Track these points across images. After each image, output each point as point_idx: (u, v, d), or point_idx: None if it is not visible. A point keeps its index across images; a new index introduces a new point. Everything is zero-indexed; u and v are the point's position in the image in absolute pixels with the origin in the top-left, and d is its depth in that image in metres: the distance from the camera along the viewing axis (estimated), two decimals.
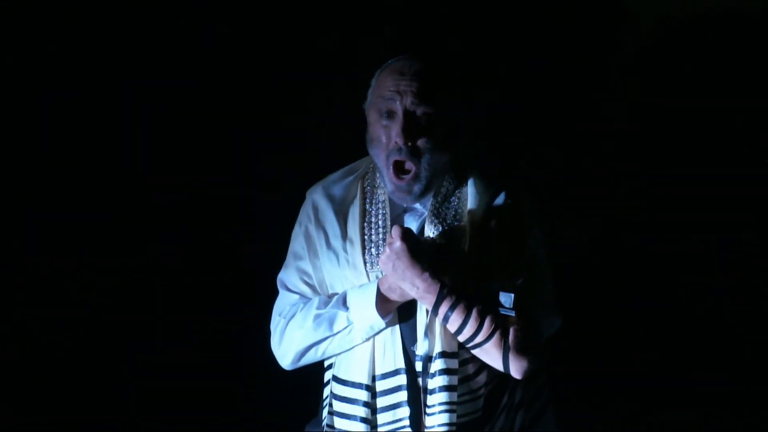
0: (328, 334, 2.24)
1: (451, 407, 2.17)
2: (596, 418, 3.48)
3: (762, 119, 3.64)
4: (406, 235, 2.14)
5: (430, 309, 2.15)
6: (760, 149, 3.64)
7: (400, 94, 2.20)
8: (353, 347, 2.25)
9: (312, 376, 2.45)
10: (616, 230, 3.73)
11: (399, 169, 2.23)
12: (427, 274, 2.12)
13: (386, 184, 2.27)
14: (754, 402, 3.55)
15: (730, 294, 3.67)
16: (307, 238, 2.36)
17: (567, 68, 3.62)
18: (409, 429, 2.21)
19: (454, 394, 2.18)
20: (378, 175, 2.34)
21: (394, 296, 2.19)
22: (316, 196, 2.39)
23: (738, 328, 3.66)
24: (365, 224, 2.32)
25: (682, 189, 3.70)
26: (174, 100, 3.39)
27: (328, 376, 2.35)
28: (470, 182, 2.30)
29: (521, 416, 2.28)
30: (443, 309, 2.13)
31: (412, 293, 2.15)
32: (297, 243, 2.39)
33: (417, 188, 2.24)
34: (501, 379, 2.24)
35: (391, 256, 2.13)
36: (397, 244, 2.13)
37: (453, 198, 2.29)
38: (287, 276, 2.38)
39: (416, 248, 2.14)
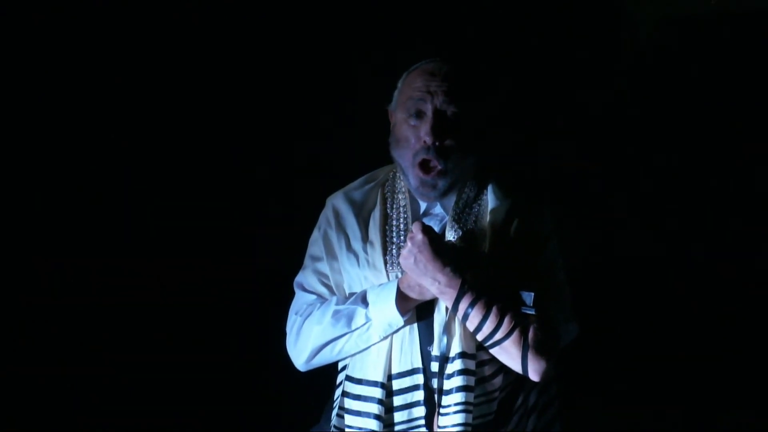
0: (346, 330, 2.23)
1: (467, 408, 2.16)
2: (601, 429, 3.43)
3: (762, 119, 3.68)
4: (428, 229, 2.16)
5: (450, 305, 2.15)
6: (761, 149, 3.67)
7: (430, 94, 2.23)
8: (369, 347, 2.24)
9: (317, 382, 2.44)
10: (620, 237, 3.72)
11: (425, 167, 2.25)
12: (448, 269, 2.13)
13: (410, 181, 2.28)
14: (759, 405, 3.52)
15: (740, 299, 3.65)
16: (326, 241, 2.37)
17: (567, 69, 3.66)
18: (424, 428, 2.19)
19: (471, 395, 2.17)
20: (398, 180, 2.38)
21: (414, 294, 2.19)
22: (337, 201, 2.41)
23: (747, 333, 3.64)
24: (386, 227, 2.33)
25: (683, 189, 3.71)
26: (199, 106, 3.43)
27: (340, 377, 2.33)
28: (490, 189, 2.32)
29: (533, 422, 2.27)
30: (463, 305, 2.13)
31: (433, 289, 2.15)
32: (316, 246, 2.40)
33: (441, 184, 2.25)
34: (516, 383, 2.24)
35: (413, 249, 2.14)
36: (419, 236, 2.14)
37: (474, 205, 2.32)
38: (304, 277, 2.39)
39: (438, 242, 2.15)
